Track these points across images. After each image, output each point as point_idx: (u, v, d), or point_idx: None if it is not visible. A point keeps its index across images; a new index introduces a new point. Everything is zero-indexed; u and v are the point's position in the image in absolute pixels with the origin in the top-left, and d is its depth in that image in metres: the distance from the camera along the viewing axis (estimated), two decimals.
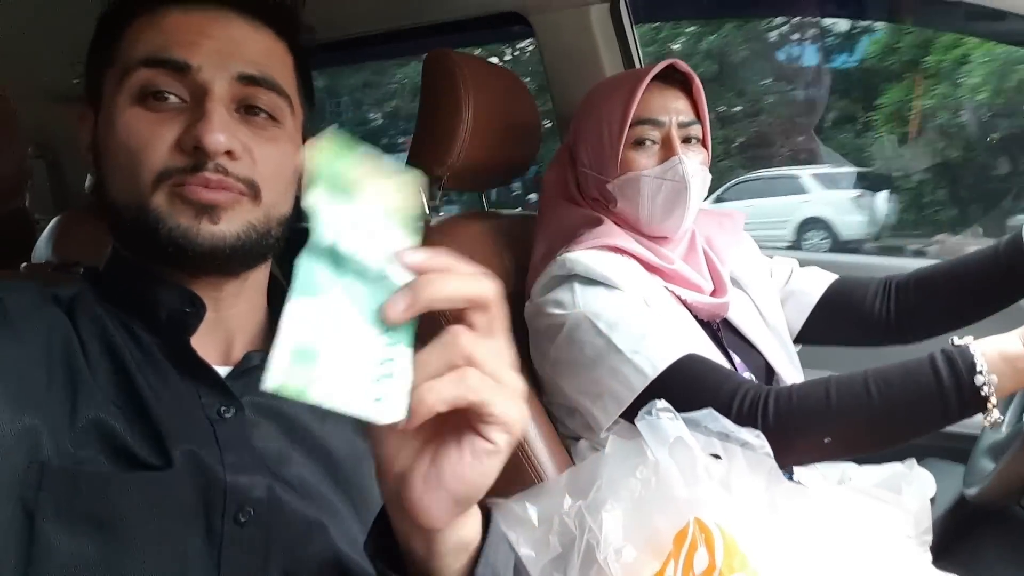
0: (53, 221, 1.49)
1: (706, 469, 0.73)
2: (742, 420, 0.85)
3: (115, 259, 0.67)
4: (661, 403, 0.81)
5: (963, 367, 0.80)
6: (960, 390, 0.80)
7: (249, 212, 0.62)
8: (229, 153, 0.60)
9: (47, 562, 0.50)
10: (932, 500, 0.92)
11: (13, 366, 0.54)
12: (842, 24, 7.23)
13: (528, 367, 1.07)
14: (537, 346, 1.06)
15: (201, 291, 0.63)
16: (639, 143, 1.06)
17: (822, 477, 0.99)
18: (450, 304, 0.40)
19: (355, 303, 0.39)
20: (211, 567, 0.55)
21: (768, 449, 0.77)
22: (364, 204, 0.41)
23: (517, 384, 0.42)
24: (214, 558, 0.56)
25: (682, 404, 0.87)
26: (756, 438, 0.77)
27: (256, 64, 0.63)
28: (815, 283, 1.22)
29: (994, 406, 0.79)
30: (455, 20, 1.56)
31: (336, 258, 0.39)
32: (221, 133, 0.59)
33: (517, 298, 1.11)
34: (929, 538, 0.85)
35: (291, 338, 0.37)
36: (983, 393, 0.79)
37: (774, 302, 1.20)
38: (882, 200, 5.97)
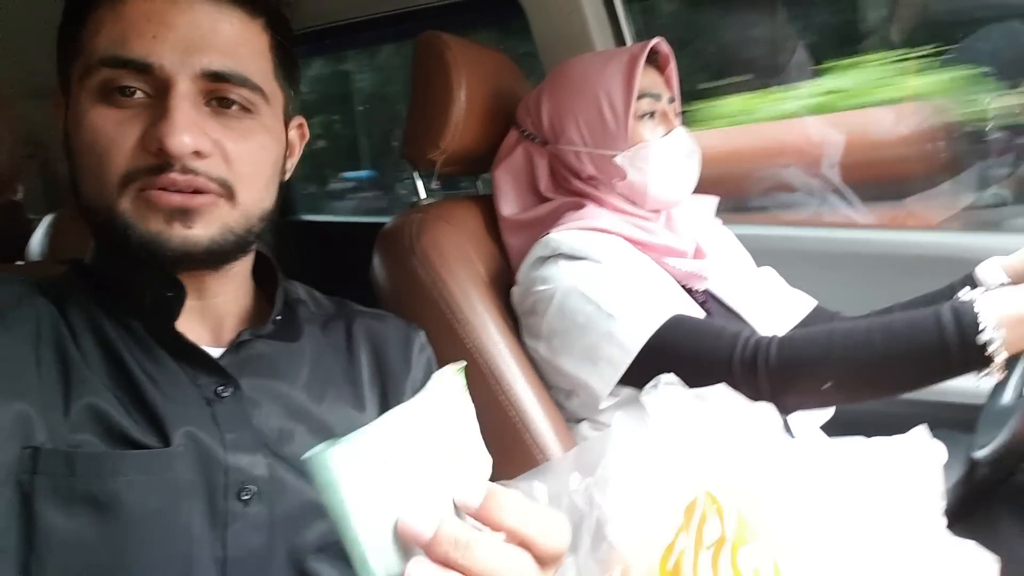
0: (47, 219, 1.48)
1: (714, 440, 0.72)
2: (744, 365, 0.86)
3: (99, 250, 0.66)
4: (667, 376, 0.80)
5: (967, 323, 0.79)
6: (964, 346, 0.79)
7: (226, 214, 0.60)
8: (198, 152, 0.57)
9: (48, 544, 0.50)
10: (944, 467, 0.91)
11: (2, 355, 0.54)
12: None
13: (523, 351, 1.07)
14: (529, 328, 1.05)
15: (187, 278, 0.62)
16: (641, 116, 1.07)
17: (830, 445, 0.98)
18: None
19: None
20: (217, 545, 0.55)
21: (776, 416, 0.76)
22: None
23: None
24: (219, 537, 0.56)
25: (683, 359, 0.87)
26: (763, 409, 0.76)
27: (224, 57, 0.59)
28: (799, 304, 1.23)
29: (999, 364, 0.78)
30: (445, 4, 1.54)
31: None
32: (185, 134, 0.56)
33: (511, 283, 1.10)
34: (942, 503, 0.84)
35: None
36: (987, 352, 0.78)
37: (760, 280, 1.20)
38: None
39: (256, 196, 0.62)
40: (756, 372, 0.86)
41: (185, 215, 0.57)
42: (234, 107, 0.61)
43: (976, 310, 0.80)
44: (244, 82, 0.60)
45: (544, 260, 1.03)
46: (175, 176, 0.56)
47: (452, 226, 1.10)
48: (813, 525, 0.69)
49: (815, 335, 0.88)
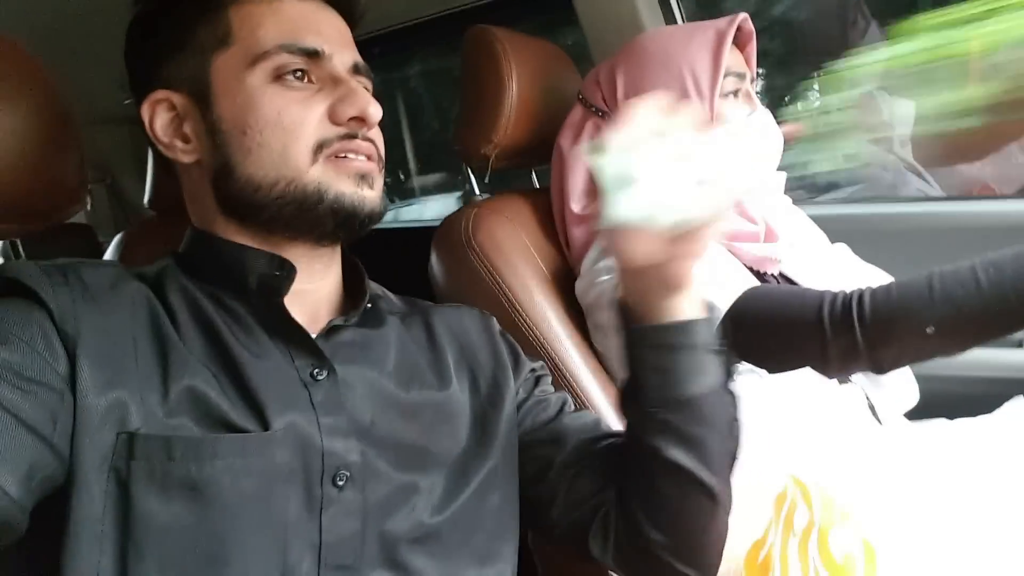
0: (117, 237, 1.53)
1: (798, 426, 0.69)
2: (836, 319, 0.82)
3: (196, 238, 0.68)
4: (744, 365, 0.77)
5: None
6: None
7: (380, 179, 0.68)
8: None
9: (145, 530, 0.51)
10: None
11: (97, 340, 0.54)
12: None
13: (588, 344, 1.05)
14: (595, 322, 1.03)
15: (300, 259, 0.65)
16: (725, 95, 1.04)
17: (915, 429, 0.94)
18: None
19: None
20: (313, 531, 0.56)
21: (862, 399, 0.73)
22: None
23: None
24: (315, 521, 0.56)
25: (769, 324, 0.85)
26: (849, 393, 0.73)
27: (357, 53, 0.70)
28: (876, 280, 1.16)
29: None
30: (489, 1, 1.54)
31: None
32: (374, 106, 0.64)
33: (571, 276, 1.09)
34: None
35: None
36: None
37: (834, 258, 1.15)
38: None
39: None
40: (851, 325, 0.81)
41: (367, 178, 0.65)
42: None
43: None
44: (368, 74, 0.70)
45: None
46: (361, 142, 0.65)
47: (508, 219, 1.09)
48: (904, 504, 0.66)
49: (913, 280, 0.82)
